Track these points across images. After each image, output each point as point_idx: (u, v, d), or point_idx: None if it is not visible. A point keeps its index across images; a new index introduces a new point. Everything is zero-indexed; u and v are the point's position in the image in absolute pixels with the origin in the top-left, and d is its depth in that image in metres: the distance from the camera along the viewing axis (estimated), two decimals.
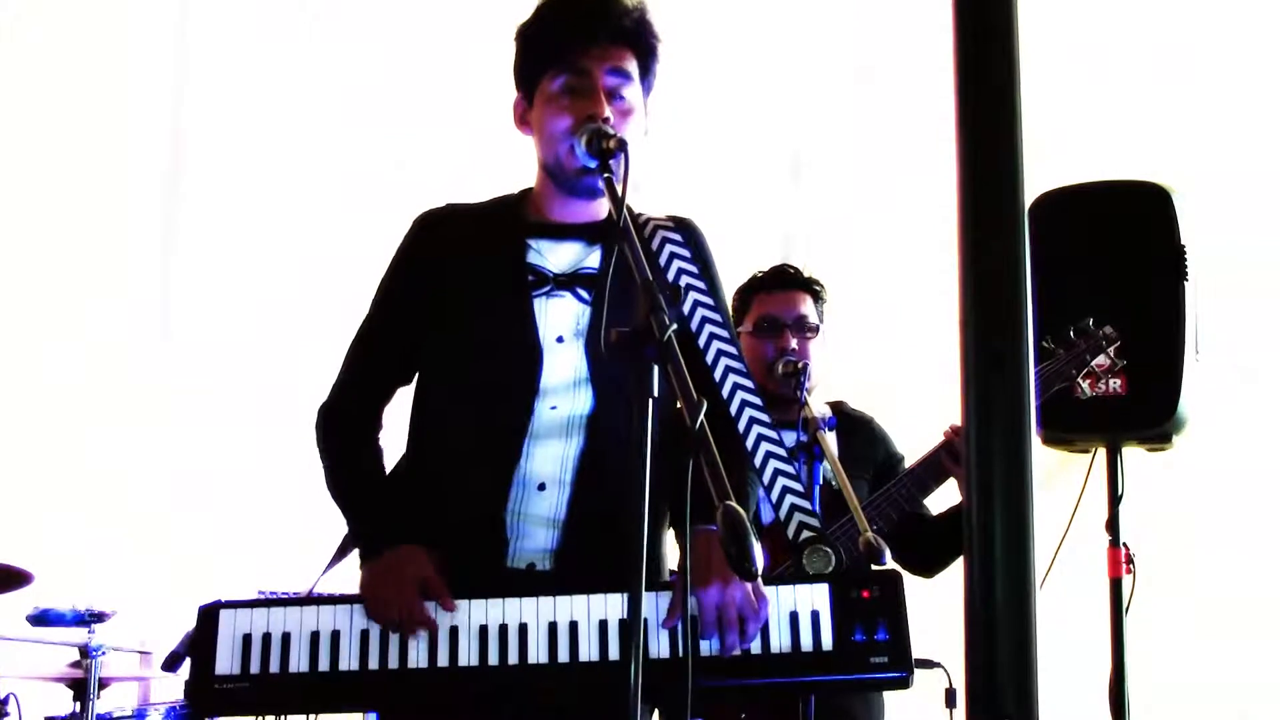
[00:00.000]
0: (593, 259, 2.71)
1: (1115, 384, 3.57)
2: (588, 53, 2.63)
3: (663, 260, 2.70)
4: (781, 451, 2.53)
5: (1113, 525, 3.85)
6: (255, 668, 2.41)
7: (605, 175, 2.41)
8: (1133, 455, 3.91)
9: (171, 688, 4.95)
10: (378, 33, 6.06)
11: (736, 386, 2.59)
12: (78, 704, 4.40)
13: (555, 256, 2.71)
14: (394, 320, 2.79)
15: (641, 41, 2.69)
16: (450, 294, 2.72)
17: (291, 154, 6.01)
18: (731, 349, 2.64)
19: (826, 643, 2.40)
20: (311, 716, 3.26)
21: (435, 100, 5.95)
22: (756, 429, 2.55)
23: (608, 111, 2.58)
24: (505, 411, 2.62)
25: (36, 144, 5.87)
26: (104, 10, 6.01)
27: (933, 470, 3.57)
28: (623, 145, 2.43)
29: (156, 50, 6.07)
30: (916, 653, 2.43)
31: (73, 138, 5.89)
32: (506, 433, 2.61)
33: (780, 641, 2.40)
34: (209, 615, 2.46)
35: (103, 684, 4.44)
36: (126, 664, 4.90)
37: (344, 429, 2.79)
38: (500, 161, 5.38)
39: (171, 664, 4.47)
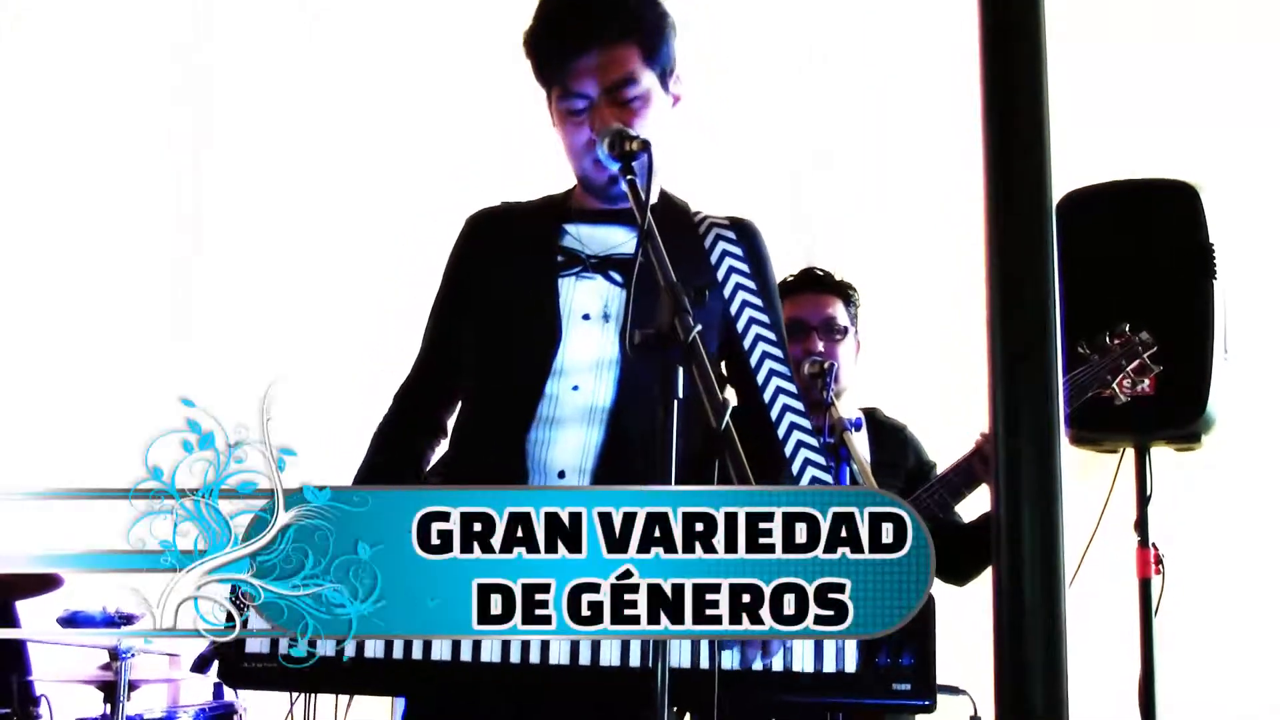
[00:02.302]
0: (631, 244, 2.69)
1: (1144, 384, 3.55)
2: (583, 67, 2.59)
3: (714, 258, 2.69)
4: (821, 460, 2.52)
5: (1141, 525, 3.84)
6: (283, 648, 2.46)
7: (629, 177, 2.40)
8: (1161, 455, 3.89)
9: (201, 690, 4.98)
10: (378, 32, 6.06)
11: (780, 390, 2.59)
12: (108, 706, 4.42)
13: (591, 239, 2.70)
14: (449, 320, 2.81)
15: (640, 30, 2.63)
16: (489, 284, 2.73)
17: (292, 153, 6.01)
18: (777, 351, 2.64)
19: (850, 664, 2.36)
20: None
21: (437, 99, 5.94)
22: (797, 434, 2.55)
23: (614, 123, 2.55)
24: (520, 387, 2.61)
25: (37, 145, 5.89)
26: (110, 9, 6.02)
27: (965, 477, 3.57)
28: (645, 146, 2.42)
29: (159, 47, 6.07)
30: (943, 678, 2.41)
31: (78, 139, 5.90)
32: (518, 412, 2.60)
33: (803, 660, 2.37)
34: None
35: (133, 686, 4.46)
36: (156, 666, 4.92)
37: (398, 417, 2.82)
38: (499, 162, 5.41)
39: (201, 666, 4.49)
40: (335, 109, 5.98)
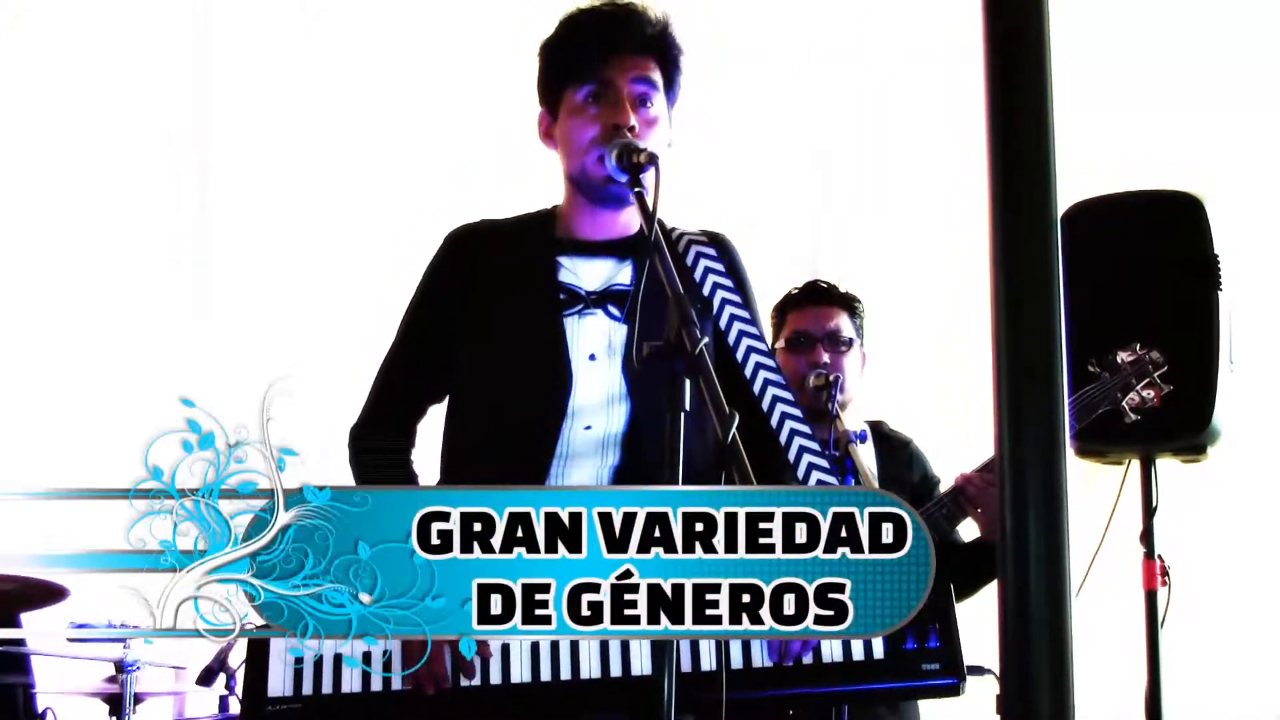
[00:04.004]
0: (624, 275, 2.70)
1: (1149, 394, 3.54)
2: (612, 63, 2.64)
3: (697, 274, 2.70)
4: (824, 463, 2.53)
5: (1147, 537, 3.83)
6: (308, 689, 2.40)
7: (636, 189, 2.42)
8: (1167, 466, 3.88)
9: (207, 703, 4.96)
10: (379, 31, 6.05)
11: (776, 399, 2.60)
12: (113, 718, 4.42)
13: (587, 274, 2.70)
14: (425, 338, 2.79)
15: (665, 53, 2.70)
16: (481, 314, 2.71)
17: (293, 154, 5.99)
18: (770, 361, 2.65)
19: (878, 650, 2.40)
20: None
21: (437, 100, 5.93)
22: (799, 440, 2.55)
23: (633, 120, 2.58)
24: (533, 435, 2.61)
25: (37, 145, 5.88)
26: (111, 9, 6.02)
27: (957, 504, 3.57)
28: (653, 159, 2.44)
29: (159, 48, 6.06)
30: (968, 660, 2.43)
31: (78, 140, 5.88)
32: (534, 456, 2.59)
33: (831, 650, 2.40)
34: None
35: (138, 699, 4.45)
36: (161, 679, 4.90)
37: (375, 452, 2.79)
38: (499, 162, 5.40)
39: (206, 678, 4.48)
40: (335, 110, 5.96)
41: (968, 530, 3.75)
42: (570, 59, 2.69)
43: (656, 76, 2.68)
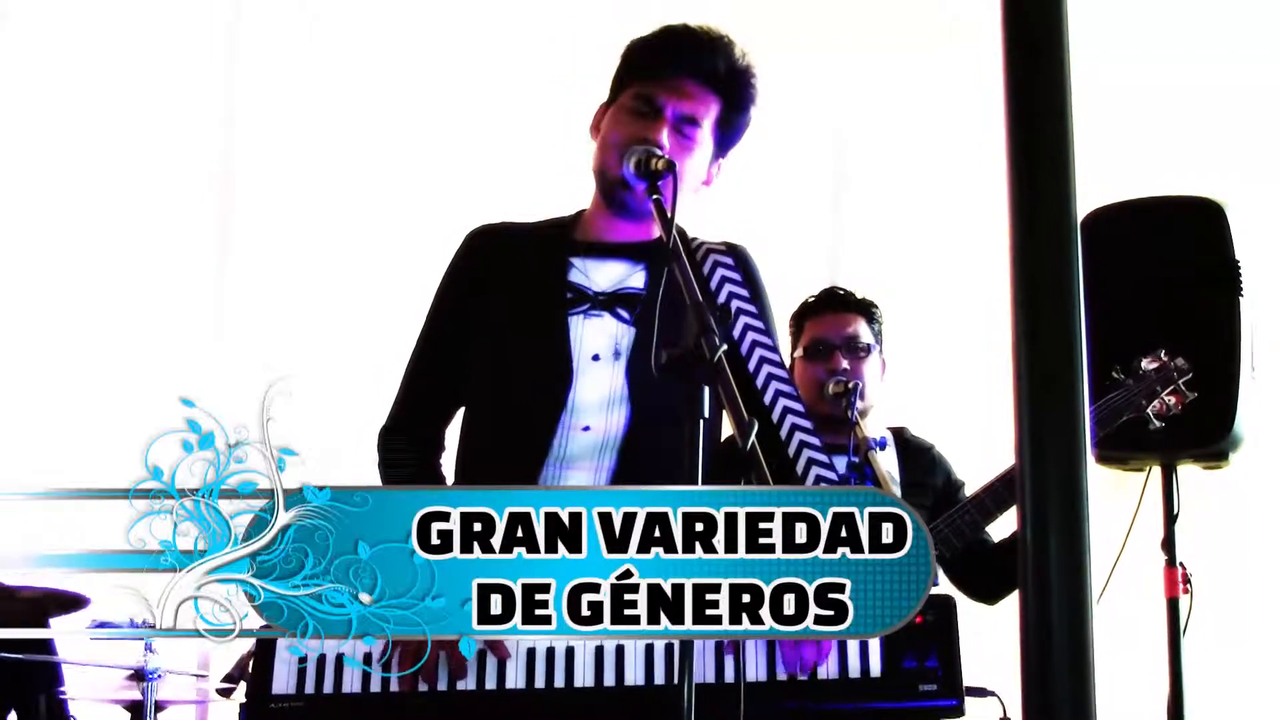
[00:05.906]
0: (636, 279, 2.71)
1: (1173, 401, 3.53)
2: (669, 83, 2.65)
3: (714, 283, 2.70)
4: (833, 476, 2.53)
5: (1169, 544, 3.81)
6: (310, 688, 2.41)
7: (654, 196, 2.42)
8: (1188, 473, 3.86)
9: (229, 711, 4.98)
10: (380, 31, 6.05)
11: (787, 410, 2.60)
12: None
13: (598, 275, 2.71)
14: (446, 338, 2.81)
15: (732, 91, 2.70)
16: (492, 311, 2.73)
17: (292, 155, 6.00)
18: (782, 373, 2.65)
19: (875, 669, 2.36)
20: None
21: (441, 102, 5.94)
22: (807, 453, 2.55)
23: (665, 140, 2.58)
24: (530, 429, 2.62)
25: (36, 146, 5.90)
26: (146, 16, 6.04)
27: (995, 499, 3.55)
28: (671, 167, 2.45)
29: (158, 49, 6.07)
30: (970, 681, 2.41)
31: (77, 140, 5.90)
32: (531, 451, 2.60)
33: (828, 666, 2.37)
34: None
35: (160, 707, 4.47)
36: (184, 687, 4.92)
37: (400, 451, 2.80)
38: (503, 166, 5.40)
39: (228, 686, 4.50)
40: (336, 111, 5.97)
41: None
42: (638, 63, 2.72)
43: (710, 110, 2.67)
